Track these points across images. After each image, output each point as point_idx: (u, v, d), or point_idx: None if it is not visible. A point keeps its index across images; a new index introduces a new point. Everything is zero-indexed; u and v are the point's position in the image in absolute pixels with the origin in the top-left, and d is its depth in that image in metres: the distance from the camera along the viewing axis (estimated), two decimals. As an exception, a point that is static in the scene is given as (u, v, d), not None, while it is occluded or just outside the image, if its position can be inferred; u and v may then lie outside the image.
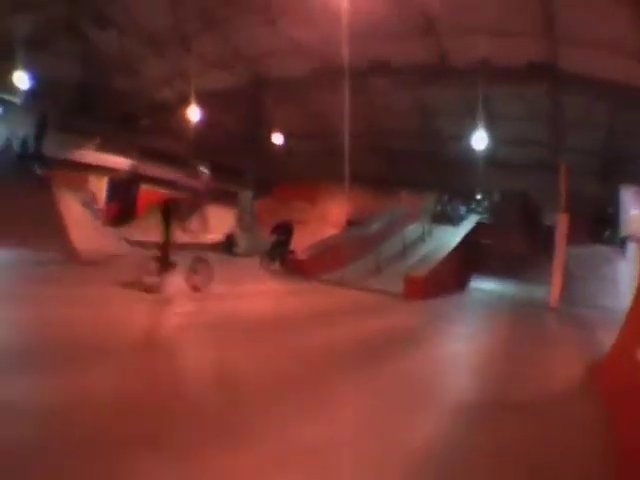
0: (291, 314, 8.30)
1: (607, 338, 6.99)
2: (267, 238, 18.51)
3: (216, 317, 7.18)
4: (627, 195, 17.99)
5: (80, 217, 13.92)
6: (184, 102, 20.24)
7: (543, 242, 19.34)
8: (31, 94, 19.81)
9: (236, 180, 28.10)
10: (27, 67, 17.87)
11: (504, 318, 11.82)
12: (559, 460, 3.22)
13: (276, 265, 16.17)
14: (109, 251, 13.17)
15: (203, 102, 20.19)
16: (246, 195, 21.65)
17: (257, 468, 2.60)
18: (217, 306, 8.11)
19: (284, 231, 17.06)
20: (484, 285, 18.70)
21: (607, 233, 20.84)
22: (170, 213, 8.63)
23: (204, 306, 7.98)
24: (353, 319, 8.95)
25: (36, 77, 18.48)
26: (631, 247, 17.35)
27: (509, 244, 21.52)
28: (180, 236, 20.41)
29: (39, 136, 21.28)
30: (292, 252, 16.78)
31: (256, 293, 10.69)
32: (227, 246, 20.66)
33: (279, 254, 16.57)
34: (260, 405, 3.67)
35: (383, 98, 17.33)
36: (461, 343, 8.19)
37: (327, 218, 26.97)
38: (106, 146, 25.02)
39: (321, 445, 2.98)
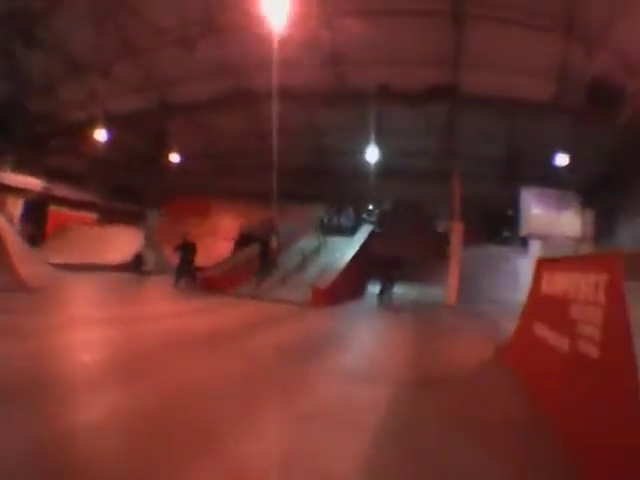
0: (223, 326, 8.49)
1: (503, 325, 8.38)
2: (171, 256, 18.83)
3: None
4: (527, 196, 19.22)
5: (16, 240, 13.37)
6: (94, 124, 20.39)
7: (436, 247, 20.15)
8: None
9: (137, 199, 28.27)
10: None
11: (406, 315, 12.93)
12: (483, 410, 4.20)
13: (185, 282, 16.33)
14: (45, 276, 13.09)
15: (112, 124, 20.51)
16: (153, 214, 21.49)
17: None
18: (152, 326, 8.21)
19: (188, 250, 16.95)
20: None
21: (506, 233, 22.18)
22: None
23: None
24: (275, 325, 9.55)
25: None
26: (532, 244, 18.72)
27: (402, 251, 22.29)
28: (89, 258, 19.95)
29: None
30: (199, 269, 16.99)
31: (180, 310, 10.71)
32: (136, 265, 20.60)
33: (186, 272, 16.69)
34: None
35: (278, 119, 18.08)
36: (377, 337, 9.15)
37: (219, 232, 27.63)
38: (20, 167, 24.87)
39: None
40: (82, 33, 16.12)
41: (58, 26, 16.02)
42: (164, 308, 11.10)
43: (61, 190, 27.36)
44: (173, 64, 17.69)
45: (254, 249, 18.35)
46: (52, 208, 27.76)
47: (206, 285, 15.95)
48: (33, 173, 25.72)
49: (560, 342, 4.08)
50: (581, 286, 3.85)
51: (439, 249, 19.24)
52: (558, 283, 4.69)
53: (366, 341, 8.50)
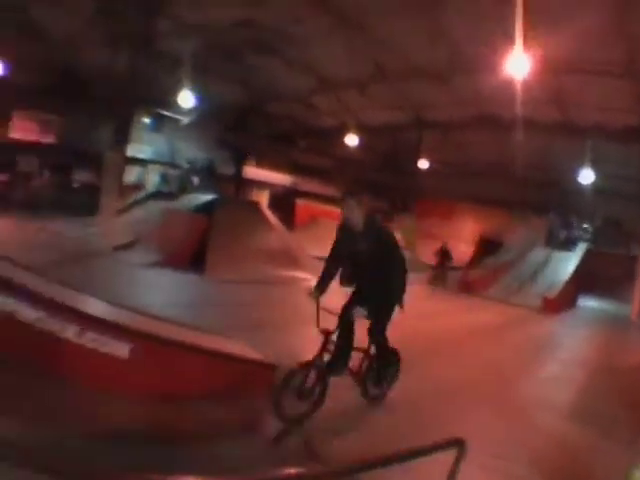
0: (489, 322, 13.47)
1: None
2: (430, 263, 21.53)
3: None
4: None
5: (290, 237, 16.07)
6: (345, 130, 24.40)
7: (627, 267, 21.92)
8: (196, 112, 22.46)
9: (382, 198, 30.63)
10: (191, 87, 19.30)
11: (605, 326, 16.61)
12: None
13: (441, 283, 19.52)
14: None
15: (363, 131, 24.30)
16: (410, 217, 24.51)
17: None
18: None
19: (446, 255, 20.05)
20: (588, 303, 22.09)
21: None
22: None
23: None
24: (522, 325, 14.49)
25: (199, 97, 20.01)
26: None
27: (608, 268, 23.99)
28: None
29: (240, 163, 25.02)
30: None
31: (457, 308, 16.04)
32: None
33: (442, 274, 19.93)
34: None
35: (516, 140, 21.28)
36: (585, 338, 13.65)
37: (459, 235, 29.60)
38: (262, 162, 28.77)
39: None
40: (333, 55, 18.61)
41: (309, 49, 18.63)
42: (446, 305, 16.26)
43: (308, 185, 30.28)
44: (427, 91, 20.86)
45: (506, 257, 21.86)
46: (298, 201, 29.63)
47: (462, 286, 19.36)
48: (278, 168, 28.98)
49: None
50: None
51: (629, 269, 21.31)
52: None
53: (580, 341, 13.12)
